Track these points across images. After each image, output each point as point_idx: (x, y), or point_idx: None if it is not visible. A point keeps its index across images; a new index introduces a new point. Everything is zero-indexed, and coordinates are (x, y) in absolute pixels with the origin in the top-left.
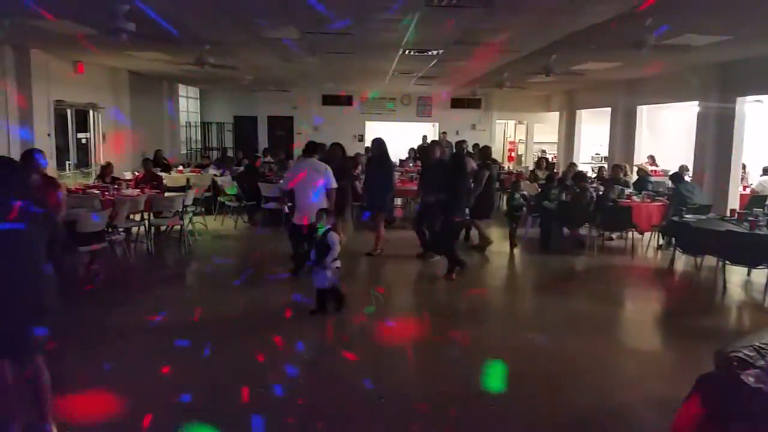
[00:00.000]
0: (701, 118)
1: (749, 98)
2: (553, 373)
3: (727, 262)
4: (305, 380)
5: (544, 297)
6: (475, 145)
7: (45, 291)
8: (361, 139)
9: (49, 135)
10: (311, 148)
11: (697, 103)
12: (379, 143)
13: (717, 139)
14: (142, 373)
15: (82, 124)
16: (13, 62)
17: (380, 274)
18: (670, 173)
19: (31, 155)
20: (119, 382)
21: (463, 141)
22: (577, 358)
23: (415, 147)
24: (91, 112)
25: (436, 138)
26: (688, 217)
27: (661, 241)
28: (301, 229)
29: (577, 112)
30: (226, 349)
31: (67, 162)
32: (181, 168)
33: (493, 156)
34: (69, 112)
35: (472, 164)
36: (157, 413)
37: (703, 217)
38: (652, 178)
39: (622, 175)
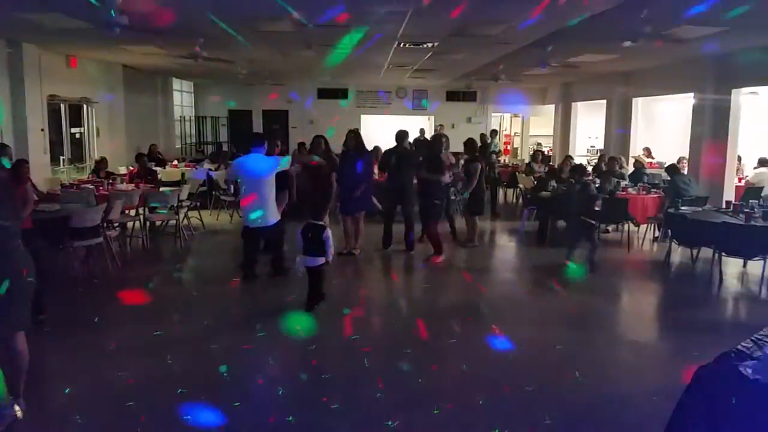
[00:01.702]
0: (696, 109)
1: (744, 89)
2: (550, 366)
3: (723, 253)
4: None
5: (541, 290)
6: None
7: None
8: None
9: (42, 130)
10: (258, 140)
11: (692, 94)
12: (355, 135)
13: (712, 130)
14: (137, 366)
15: (76, 119)
16: (5, 56)
17: (368, 271)
18: (666, 165)
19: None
20: (111, 376)
21: (441, 135)
22: (573, 349)
23: (411, 141)
24: (84, 107)
25: (434, 131)
26: (684, 209)
27: (657, 233)
28: (250, 231)
29: (573, 104)
30: (218, 343)
31: (61, 157)
32: (175, 162)
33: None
34: (62, 106)
35: (451, 159)
36: (151, 405)
37: (699, 209)
38: (648, 170)
39: (617, 168)
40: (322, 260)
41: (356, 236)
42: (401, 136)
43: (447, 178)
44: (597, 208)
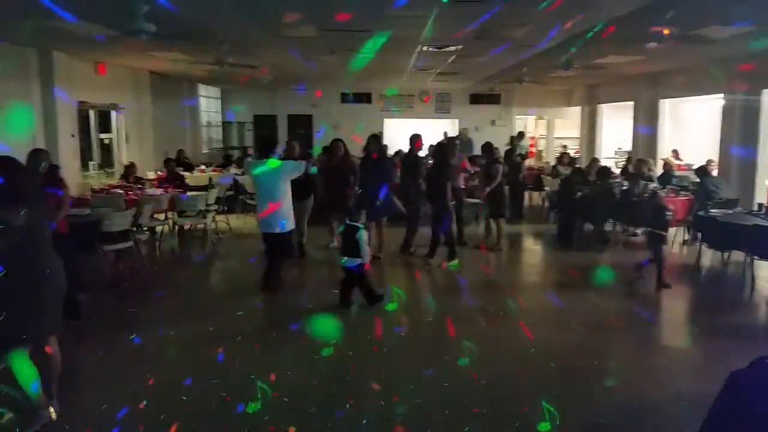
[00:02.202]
0: (726, 111)
1: None
2: (580, 371)
3: (755, 257)
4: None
5: (569, 294)
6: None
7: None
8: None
9: (72, 136)
10: (268, 146)
11: (721, 96)
12: (376, 140)
13: (742, 132)
14: (169, 367)
15: (105, 125)
16: (36, 64)
17: (388, 275)
18: (695, 167)
19: (36, 155)
20: (142, 378)
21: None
22: (604, 355)
23: (434, 144)
24: (113, 113)
25: (455, 134)
26: (714, 211)
27: (686, 236)
28: (269, 238)
29: (599, 106)
30: (246, 346)
31: (90, 162)
32: (203, 167)
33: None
34: (91, 113)
35: (463, 162)
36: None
37: (730, 211)
38: (677, 173)
39: (646, 170)
40: (358, 261)
41: (380, 240)
42: (412, 140)
43: (459, 182)
44: (668, 219)
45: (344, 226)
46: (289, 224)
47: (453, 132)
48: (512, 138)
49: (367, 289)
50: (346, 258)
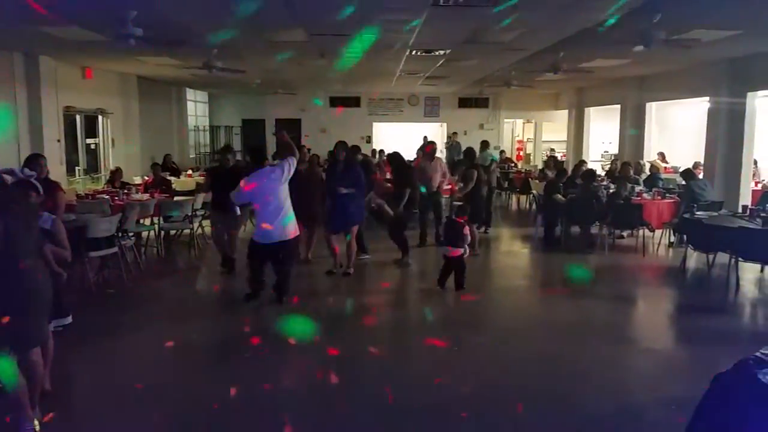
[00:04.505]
0: (711, 113)
1: (760, 93)
2: (564, 374)
3: (739, 259)
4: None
5: (555, 296)
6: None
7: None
8: (369, 140)
9: (58, 141)
10: (258, 156)
11: (707, 98)
12: (344, 145)
13: (728, 134)
14: (153, 375)
15: (91, 130)
16: (22, 69)
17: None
18: (681, 170)
19: (36, 160)
20: (125, 385)
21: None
22: (589, 358)
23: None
24: (99, 118)
25: (447, 137)
26: (700, 213)
27: (672, 239)
28: (263, 248)
29: (586, 109)
30: (227, 355)
31: (76, 167)
32: (190, 172)
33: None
34: (78, 117)
35: (442, 167)
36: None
37: (715, 213)
38: (663, 175)
39: (632, 173)
40: (461, 251)
41: (348, 253)
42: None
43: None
44: None
45: (447, 221)
46: (296, 229)
47: (439, 137)
48: (482, 143)
49: (462, 276)
50: (450, 248)
